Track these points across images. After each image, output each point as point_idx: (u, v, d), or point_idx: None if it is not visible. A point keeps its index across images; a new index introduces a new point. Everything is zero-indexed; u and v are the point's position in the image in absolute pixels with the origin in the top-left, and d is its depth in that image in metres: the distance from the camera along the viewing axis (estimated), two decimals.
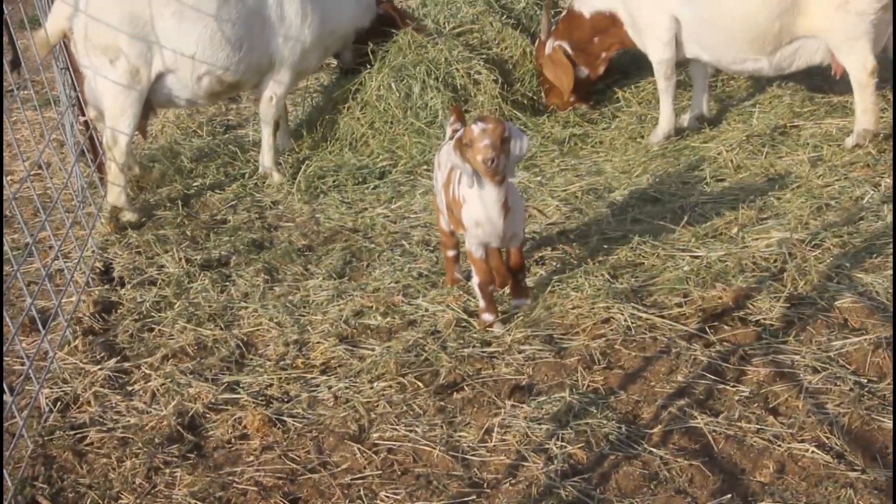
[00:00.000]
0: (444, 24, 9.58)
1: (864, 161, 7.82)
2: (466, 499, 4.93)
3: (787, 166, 7.95)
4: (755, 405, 5.33)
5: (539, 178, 8.33)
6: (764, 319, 6.04)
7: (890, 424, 5.07)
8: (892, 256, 6.43)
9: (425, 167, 8.73)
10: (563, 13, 9.41)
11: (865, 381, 5.43)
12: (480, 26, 9.60)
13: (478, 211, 5.84)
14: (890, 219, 6.91)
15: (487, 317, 6.17)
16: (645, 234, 7.09)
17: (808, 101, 9.05)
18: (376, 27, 9.40)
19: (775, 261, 6.60)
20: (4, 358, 6.22)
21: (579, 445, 5.15)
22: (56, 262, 7.25)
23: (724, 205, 7.46)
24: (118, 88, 8.10)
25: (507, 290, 6.36)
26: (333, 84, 9.93)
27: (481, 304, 6.17)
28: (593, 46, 9.25)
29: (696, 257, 6.74)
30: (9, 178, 9.39)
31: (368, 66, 9.34)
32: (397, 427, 5.43)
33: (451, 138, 6.16)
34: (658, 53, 8.66)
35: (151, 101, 8.35)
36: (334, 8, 9.01)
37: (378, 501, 4.96)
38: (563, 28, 9.29)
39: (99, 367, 6.32)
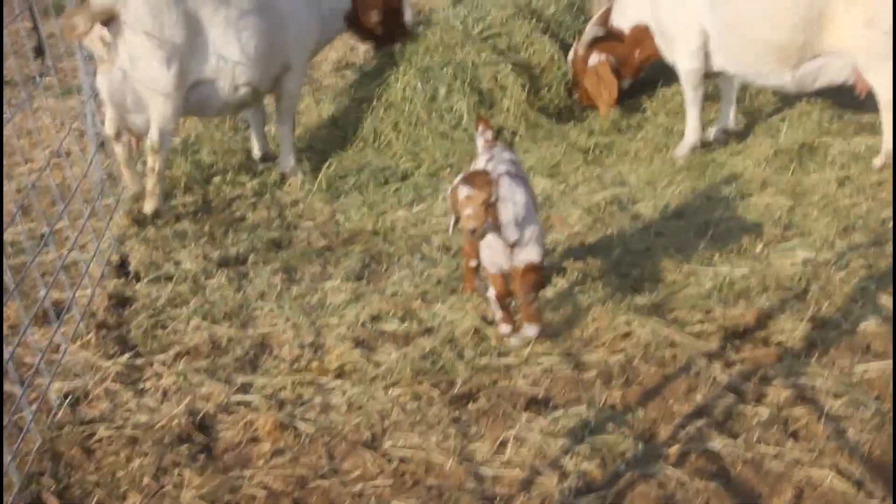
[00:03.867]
0: (473, 26, 9.51)
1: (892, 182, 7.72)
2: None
3: (813, 184, 7.88)
4: (774, 428, 5.27)
5: (563, 187, 8.28)
6: (786, 340, 5.99)
7: None
8: None
9: (449, 170, 8.70)
10: (597, 28, 9.28)
11: (888, 408, 5.36)
12: (509, 30, 9.56)
13: (488, 237, 5.76)
14: None
15: (504, 328, 6.06)
16: (668, 249, 7.06)
17: (837, 119, 8.97)
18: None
19: (799, 280, 6.54)
20: (17, 349, 6.19)
21: (595, 462, 5.10)
22: (72, 253, 7.22)
23: (748, 221, 7.39)
24: (170, 90, 8.03)
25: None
26: (357, 83, 9.89)
27: (497, 315, 6.08)
28: (633, 58, 9.22)
29: (720, 274, 6.67)
30: (28, 165, 9.37)
31: (395, 67, 9.30)
32: (411, 436, 5.39)
33: (483, 150, 6.32)
34: (685, 63, 8.61)
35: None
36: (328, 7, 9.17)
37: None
38: (606, 42, 9.22)
39: (111, 362, 6.30)
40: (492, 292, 6.01)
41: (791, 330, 6.05)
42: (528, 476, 5.09)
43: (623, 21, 9.12)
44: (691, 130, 8.75)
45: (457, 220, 5.61)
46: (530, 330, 5.98)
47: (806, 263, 6.67)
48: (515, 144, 8.97)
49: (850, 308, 6.21)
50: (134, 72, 7.98)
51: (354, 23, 9.31)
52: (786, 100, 9.36)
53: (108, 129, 8.22)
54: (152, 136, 8.10)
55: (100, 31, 7.89)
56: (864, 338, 5.97)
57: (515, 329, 6.05)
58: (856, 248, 6.86)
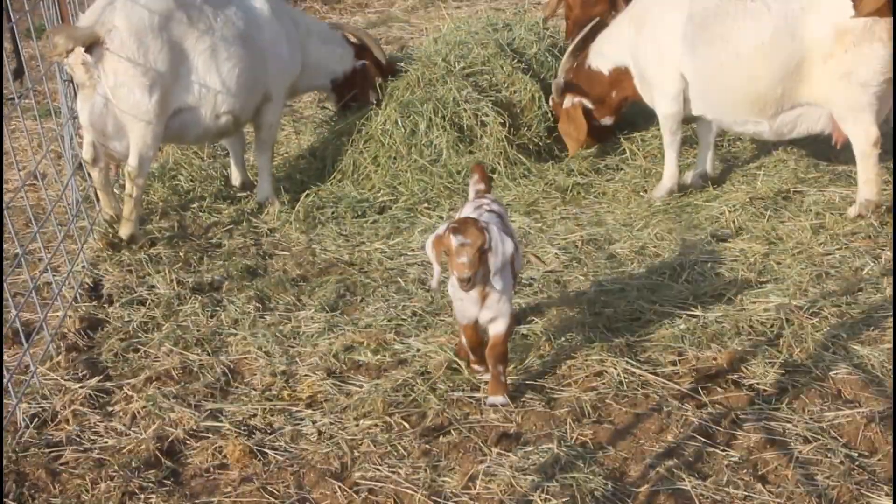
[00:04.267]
0: (455, 63, 9.51)
1: (866, 232, 7.74)
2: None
3: (788, 231, 7.87)
4: (744, 471, 5.26)
5: (540, 225, 8.27)
6: (758, 384, 5.98)
7: (882, 501, 5.01)
8: (891, 329, 6.38)
9: (426, 205, 8.71)
10: (574, 69, 9.30)
11: (857, 454, 5.36)
12: (491, 68, 9.55)
13: (455, 289, 5.63)
14: (889, 292, 6.86)
15: (479, 368, 6.02)
16: (643, 290, 7.06)
17: (813, 168, 8.98)
18: (354, 79, 9.55)
19: (772, 326, 6.53)
20: None
21: (564, 500, 5.08)
22: (45, 275, 7.20)
23: (723, 265, 7.40)
24: (151, 116, 8.01)
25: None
26: (338, 116, 9.88)
27: (473, 361, 6.05)
28: (612, 99, 9.23)
29: (694, 316, 6.68)
30: (3, 185, 9.34)
31: (370, 105, 9.35)
32: (380, 467, 5.37)
33: (474, 198, 6.17)
34: (664, 108, 8.63)
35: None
36: (312, 50, 9.31)
37: None
38: (581, 85, 9.24)
39: (80, 385, 6.28)
40: (465, 340, 5.91)
41: (763, 374, 6.06)
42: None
43: (601, 62, 9.12)
44: (669, 174, 8.75)
45: (442, 271, 5.57)
46: (498, 400, 5.81)
47: (779, 309, 6.66)
48: (494, 182, 8.97)
49: (822, 355, 6.20)
50: (116, 98, 7.96)
51: (337, 90, 9.57)
52: (762, 147, 9.37)
53: (86, 153, 8.17)
54: (131, 163, 8.07)
55: (82, 54, 7.87)
56: (834, 384, 5.95)
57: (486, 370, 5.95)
58: (828, 295, 6.86)
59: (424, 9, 15.32)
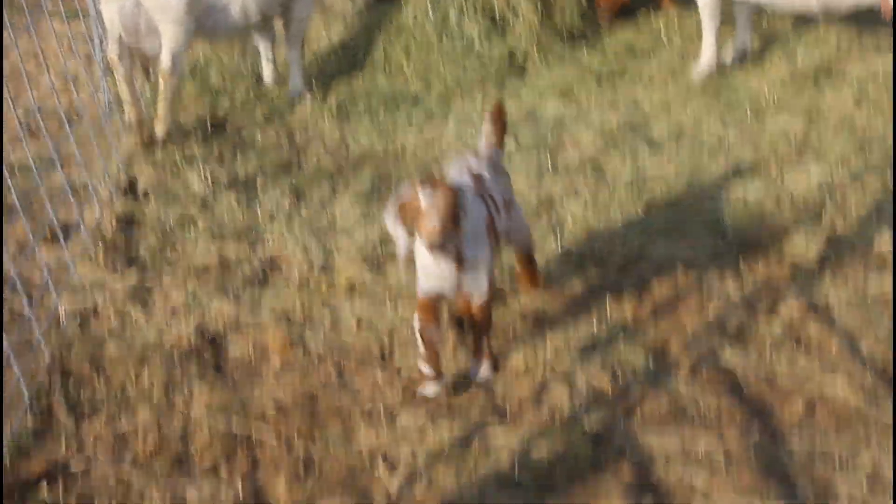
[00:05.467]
0: None
1: None
2: (488, 425, 4.92)
3: (830, 105, 7.83)
4: (787, 343, 5.31)
5: (575, 110, 8.24)
6: (800, 257, 5.98)
7: None
8: None
9: (459, 94, 8.67)
10: None
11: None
12: None
13: (425, 258, 4.96)
14: None
15: (426, 369, 5.17)
16: (682, 171, 7.04)
17: (856, 41, 8.87)
18: None
19: (814, 199, 6.52)
20: (25, 269, 6.23)
21: (605, 377, 5.13)
22: (81, 175, 7.23)
23: (763, 143, 7.36)
24: (182, 14, 8.03)
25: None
26: (367, 8, 9.82)
27: (420, 352, 5.18)
28: None
29: (733, 195, 6.66)
30: (35, 92, 9.34)
31: None
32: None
33: (486, 139, 5.62)
34: None
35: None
36: None
37: (397, 425, 4.97)
38: None
39: (120, 280, 6.33)
40: (416, 324, 5.15)
41: (805, 247, 6.06)
42: (539, 389, 5.12)
43: None
44: (708, 55, 8.66)
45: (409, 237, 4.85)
46: (486, 371, 5.24)
47: (821, 183, 6.65)
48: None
49: (866, 226, 6.20)
50: None
51: None
52: (802, 23, 9.24)
53: (111, 51, 8.18)
54: (164, 61, 8.09)
55: None
56: (879, 255, 5.96)
57: (437, 377, 5.18)
58: (872, 167, 6.84)
59: None
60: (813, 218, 6.34)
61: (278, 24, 9.19)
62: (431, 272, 4.97)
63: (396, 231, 4.77)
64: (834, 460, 4.54)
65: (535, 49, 9.07)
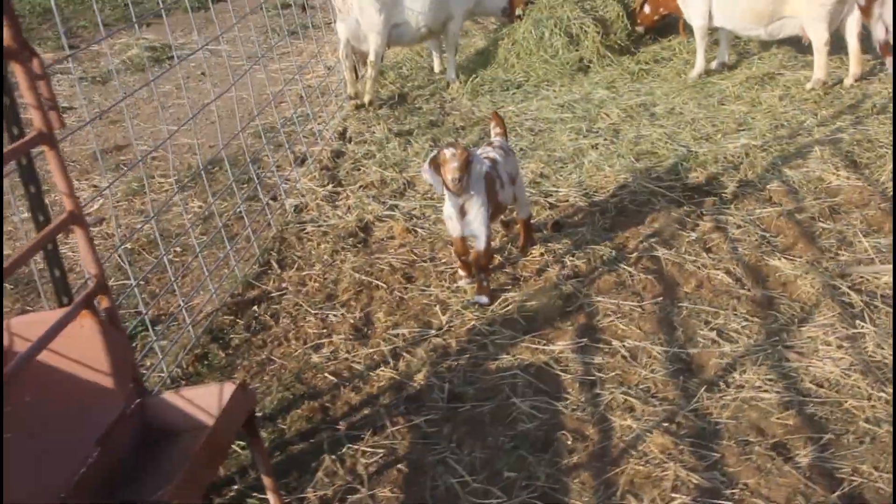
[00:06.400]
0: None
1: (814, 99, 7.39)
2: (506, 286, 5.00)
3: (765, 98, 7.55)
4: (697, 246, 5.24)
5: (614, 95, 8.10)
6: (721, 193, 5.87)
7: (777, 264, 4.93)
8: (812, 158, 6.15)
9: (546, 83, 8.59)
10: None
11: (769, 235, 5.28)
12: (592, 1, 9.26)
13: (446, 208, 4.84)
14: (819, 135, 6.59)
15: (461, 273, 5.03)
16: (666, 134, 6.93)
17: (794, 58, 8.53)
18: (512, 3, 9.15)
19: (737, 157, 6.36)
20: (274, 179, 6.45)
21: (583, 261, 5.16)
22: (319, 125, 7.45)
23: (719, 119, 7.18)
24: (381, 28, 8.12)
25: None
26: (498, 28, 9.76)
27: (459, 266, 5.04)
28: (660, 10, 8.92)
29: (690, 151, 6.55)
30: (307, 75, 9.56)
31: (518, 20, 9.20)
32: None
33: (495, 133, 5.32)
34: (697, 21, 8.29)
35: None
36: None
37: (454, 285, 5.08)
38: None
39: (323, 189, 6.51)
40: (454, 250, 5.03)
41: (725, 186, 5.95)
42: (541, 267, 5.17)
43: None
44: (698, 63, 8.40)
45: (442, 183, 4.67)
46: (484, 300, 4.83)
47: (745, 147, 6.48)
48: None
49: (764, 175, 6.05)
50: (362, 18, 8.09)
51: (504, 12, 9.22)
52: (764, 45, 8.91)
53: (341, 53, 8.36)
54: (370, 57, 8.22)
55: None
56: (769, 194, 5.82)
57: (468, 276, 5.00)
58: (778, 138, 6.62)
59: None
60: (734, 169, 6.19)
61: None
62: (451, 221, 4.82)
63: (432, 178, 4.65)
64: (702, 318, 4.53)
65: (595, 56, 8.90)
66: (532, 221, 5.47)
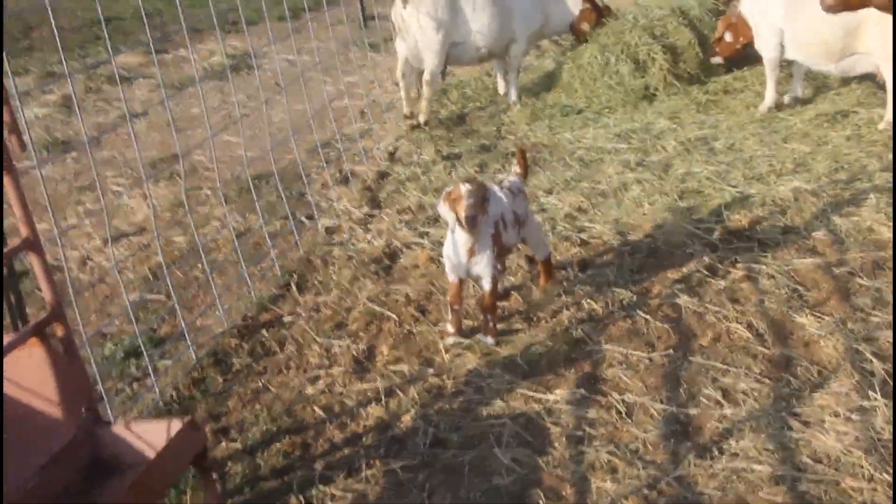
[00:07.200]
0: (639, 20, 9.01)
1: (883, 141, 6.95)
2: (516, 326, 4.84)
3: (832, 137, 7.17)
4: (723, 295, 4.96)
5: (675, 126, 7.82)
6: (763, 240, 5.57)
7: (803, 321, 4.65)
8: (868, 207, 5.79)
9: (607, 110, 8.38)
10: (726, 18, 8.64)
11: (802, 288, 4.97)
12: (663, 24, 8.98)
13: (449, 247, 4.64)
14: (879, 181, 6.22)
15: (450, 329, 4.78)
16: (718, 172, 6.62)
17: (873, 95, 8.09)
18: (581, 18, 8.98)
19: (785, 200, 6.02)
20: (315, 198, 6.42)
21: (601, 303, 4.96)
22: (371, 143, 7.42)
23: (777, 158, 6.84)
24: (438, 48, 8.08)
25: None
26: (563, 51, 9.58)
27: (449, 317, 4.81)
28: (739, 40, 8.50)
29: (739, 192, 6.24)
30: (374, 91, 9.55)
31: (585, 42, 9.00)
32: None
33: (514, 171, 5.09)
34: (768, 52, 7.96)
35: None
36: (549, 9, 8.85)
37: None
38: (729, 28, 8.62)
39: (359, 210, 6.47)
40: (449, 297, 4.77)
41: (767, 232, 5.64)
42: (557, 308, 4.98)
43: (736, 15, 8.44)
44: (769, 96, 8.08)
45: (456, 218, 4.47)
46: (488, 340, 4.66)
47: (795, 191, 6.15)
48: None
49: (811, 222, 5.71)
50: (420, 37, 8.04)
51: (573, 29, 9.08)
52: (843, 79, 8.47)
53: (399, 71, 8.32)
54: (426, 76, 8.17)
55: (401, 11, 7.98)
56: (812, 242, 5.46)
57: (457, 333, 4.75)
58: (835, 182, 6.26)
59: None
60: (780, 213, 5.87)
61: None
62: (447, 262, 4.64)
63: (445, 213, 4.49)
64: (710, 375, 4.29)
65: (662, 85, 8.64)
66: (559, 258, 5.29)
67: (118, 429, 3.12)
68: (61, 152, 8.40)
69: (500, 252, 4.73)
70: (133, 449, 3.10)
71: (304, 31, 10.66)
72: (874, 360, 4.22)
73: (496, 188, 4.80)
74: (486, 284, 4.64)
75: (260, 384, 4.50)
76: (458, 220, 4.44)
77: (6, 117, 2.89)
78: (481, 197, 4.40)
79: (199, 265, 5.79)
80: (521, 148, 5.22)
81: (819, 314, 4.69)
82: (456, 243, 4.59)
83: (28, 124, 9.25)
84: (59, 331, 3.08)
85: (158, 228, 6.29)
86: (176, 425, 3.04)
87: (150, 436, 3.08)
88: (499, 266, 4.81)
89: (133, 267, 5.77)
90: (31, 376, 2.98)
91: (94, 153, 8.35)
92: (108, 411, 3.96)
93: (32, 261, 2.99)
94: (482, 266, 4.59)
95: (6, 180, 2.91)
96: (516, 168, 5.11)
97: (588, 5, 9.00)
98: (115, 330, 5.10)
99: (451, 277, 4.67)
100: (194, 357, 4.66)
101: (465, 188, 4.38)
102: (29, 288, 5.15)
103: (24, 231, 2.96)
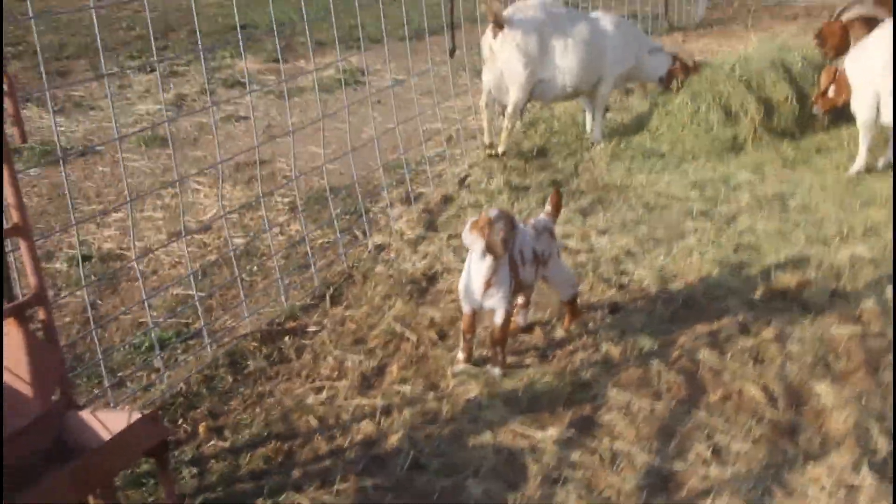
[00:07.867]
0: (736, 70, 8.81)
1: None
2: (527, 362, 4.80)
3: None
4: (746, 354, 4.82)
5: (757, 180, 7.60)
6: (805, 302, 5.36)
7: (821, 390, 4.46)
8: None
9: (691, 156, 8.21)
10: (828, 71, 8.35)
11: (831, 357, 4.77)
12: (761, 76, 8.74)
13: (464, 280, 4.61)
14: None
15: (460, 356, 4.77)
16: (782, 233, 6.39)
17: None
18: (670, 74, 8.83)
19: (841, 266, 5.78)
20: (372, 217, 6.51)
21: (619, 348, 4.88)
22: (447, 167, 7.49)
23: (846, 222, 6.57)
24: (523, 82, 8.07)
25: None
26: (654, 95, 9.39)
27: (461, 345, 4.79)
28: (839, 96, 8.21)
29: (797, 252, 6.02)
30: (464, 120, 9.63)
31: (676, 90, 8.85)
32: None
33: (546, 211, 5.05)
34: (862, 115, 7.67)
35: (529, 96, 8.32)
36: (642, 56, 8.73)
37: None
38: (832, 84, 8.33)
39: (412, 231, 6.53)
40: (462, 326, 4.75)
41: (814, 296, 5.43)
42: (574, 348, 4.91)
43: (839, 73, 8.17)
44: (860, 158, 7.78)
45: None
46: (496, 372, 4.65)
47: (855, 257, 5.90)
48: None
49: (863, 291, 5.47)
50: (507, 69, 8.07)
51: (661, 82, 8.94)
52: None
53: (483, 101, 8.36)
54: (509, 109, 8.18)
55: (490, 42, 8.04)
56: (860, 312, 5.23)
57: (466, 361, 4.75)
58: None
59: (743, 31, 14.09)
60: (834, 279, 5.64)
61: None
62: (462, 292, 4.62)
63: (472, 241, 4.38)
64: (707, 433, 4.16)
65: (751, 137, 8.43)
66: (592, 300, 5.25)
67: (85, 415, 3.25)
68: (159, 147, 8.76)
69: (516, 288, 4.69)
70: (96, 435, 3.22)
71: (421, 52, 10.87)
72: (881, 438, 4.02)
73: (520, 223, 4.77)
74: (498, 318, 4.60)
75: (266, 389, 4.60)
76: (486, 245, 4.39)
77: (10, 110, 3.07)
78: (510, 222, 4.37)
79: (248, 267, 5.97)
80: (557, 187, 5.18)
81: (840, 385, 4.50)
82: (471, 275, 4.55)
83: (136, 120, 9.71)
84: (41, 314, 3.23)
85: (221, 228, 6.52)
86: (134, 416, 3.15)
87: (111, 423, 3.19)
88: (514, 301, 4.78)
89: (187, 263, 5.97)
90: (8, 355, 3.14)
91: (188, 151, 8.70)
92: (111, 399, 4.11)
93: (21, 246, 3.15)
94: (496, 299, 4.56)
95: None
96: (548, 207, 5.05)
97: (679, 64, 8.87)
98: (153, 321, 5.30)
99: (465, 308, 4.65)
100: (211, 355, 4.80)
101: (493, 213, 4.36)
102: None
103: (14, 216, 3.13)
